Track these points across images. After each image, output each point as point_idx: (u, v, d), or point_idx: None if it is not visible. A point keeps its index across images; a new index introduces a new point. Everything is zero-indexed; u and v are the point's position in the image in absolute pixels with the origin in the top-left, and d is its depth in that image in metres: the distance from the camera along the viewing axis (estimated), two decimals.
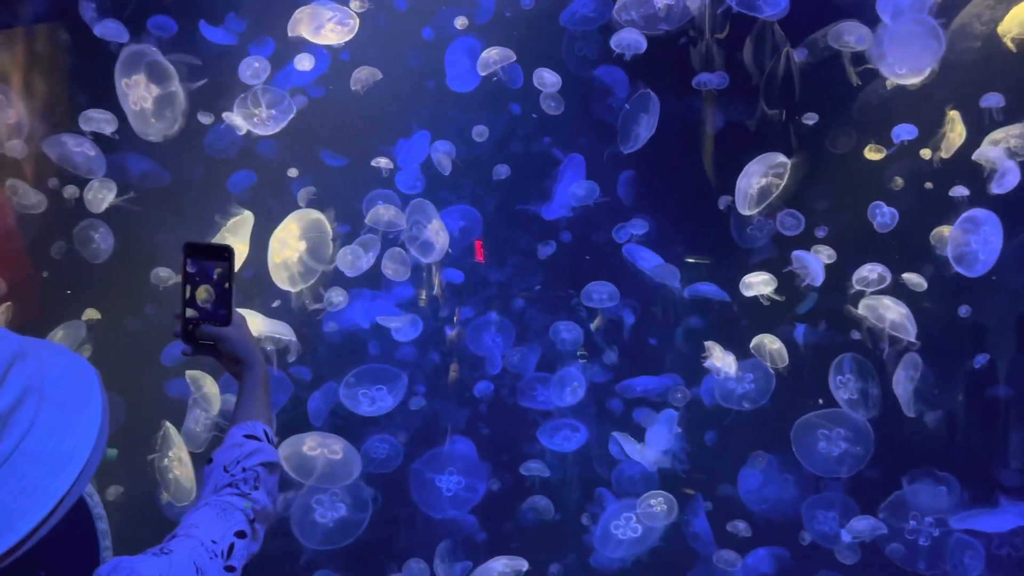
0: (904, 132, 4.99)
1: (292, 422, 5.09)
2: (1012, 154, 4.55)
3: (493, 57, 5.24)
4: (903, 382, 4.72)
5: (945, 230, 4.82)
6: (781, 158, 4.96)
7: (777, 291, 5.01)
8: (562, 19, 5.52)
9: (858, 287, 4.88)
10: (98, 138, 4.77)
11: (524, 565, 4.75)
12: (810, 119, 5.32)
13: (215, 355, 1.74)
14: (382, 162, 5.32)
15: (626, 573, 5.26)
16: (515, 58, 5.23)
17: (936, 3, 4.64)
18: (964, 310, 5.21)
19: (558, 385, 5.45)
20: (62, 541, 1.21)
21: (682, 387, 5.50)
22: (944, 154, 4.98)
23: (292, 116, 4.93)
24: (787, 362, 5.03)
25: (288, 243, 4.85)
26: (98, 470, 1.22)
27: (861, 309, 4.76)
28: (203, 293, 1.68)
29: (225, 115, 4.93)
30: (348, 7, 5.00)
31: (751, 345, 5.07)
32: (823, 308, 5.46)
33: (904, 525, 4.67)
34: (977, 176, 4.68)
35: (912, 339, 4.64)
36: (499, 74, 5.22)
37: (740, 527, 5.16)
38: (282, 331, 4.78)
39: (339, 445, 4.75)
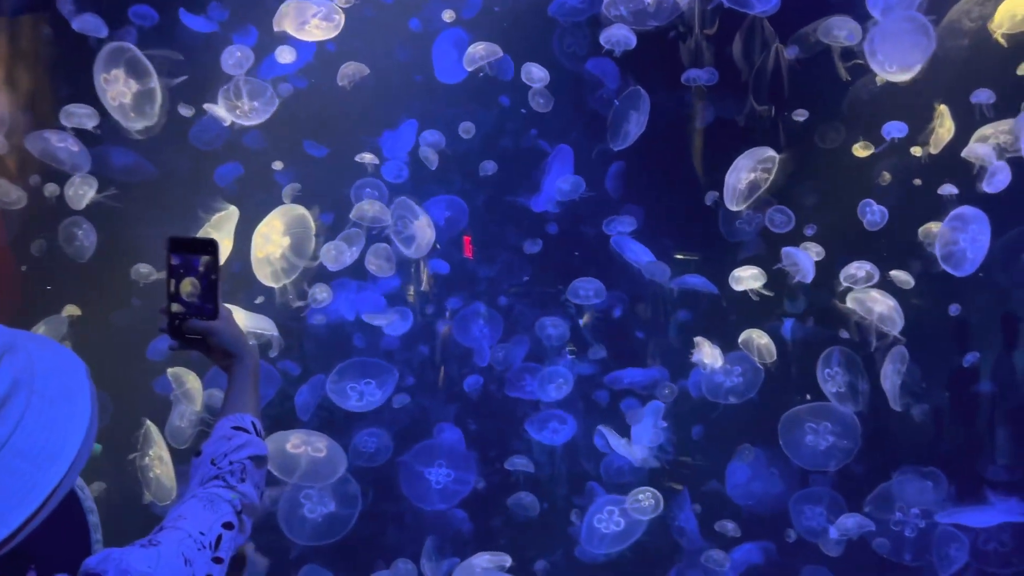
0: (895, 130, 5.01)
1: (280, 416, 5.07)
2: (1001, 150, 4.57)
3: (479, 52, 5.21)
4: (890, 376, 4.74)
5: (933, 226, 4.84)
6: (770, 152, 4.96)
7: (766, 286, 5.02)
8: (551, 10, 5.50)
9: (846, 284, 4.89)
10: (80, 133, 4.72)
11: (507, 561, 4.74)
12: (800, 116, 5.33)
13: (203, 349, 1.72)
14: (367, 157, 5.28)
15: (612, 567, 5.26)
16: (501, 54, 5.20)
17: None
18: (954, 308, 5.24)
19: (544, 381, 5.44)
20: (53, 534, 1.20)
21: (669, 383, 5.51)
22: (933, 149, 5.00)
23: (275, 107, 4.89)
24: (775, 357, 5.04)
25: (271, 238, 4.81)
26: (85, 465, 1.21)
27: (849, 302, 4.77)
28: (188, 287, 1.66)
29: (207, 107, 4.89)
30: (333, 2, 4.95)
31: (740, 340, 5.08)
32: (812, 305, 5.48)
33: (890, 517, 4.69)
34: (966, 173, 4.70)
35: (899, 331, 4.65)
36: (486, 69, 5.20)
37: (729, 527, 5.18)
38: (264, 326, 4.75)
39: (323, 443, 4.70)
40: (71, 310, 4.98)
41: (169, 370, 4.74)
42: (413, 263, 5.87)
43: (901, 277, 4.87)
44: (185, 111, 4.97)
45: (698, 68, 5.45)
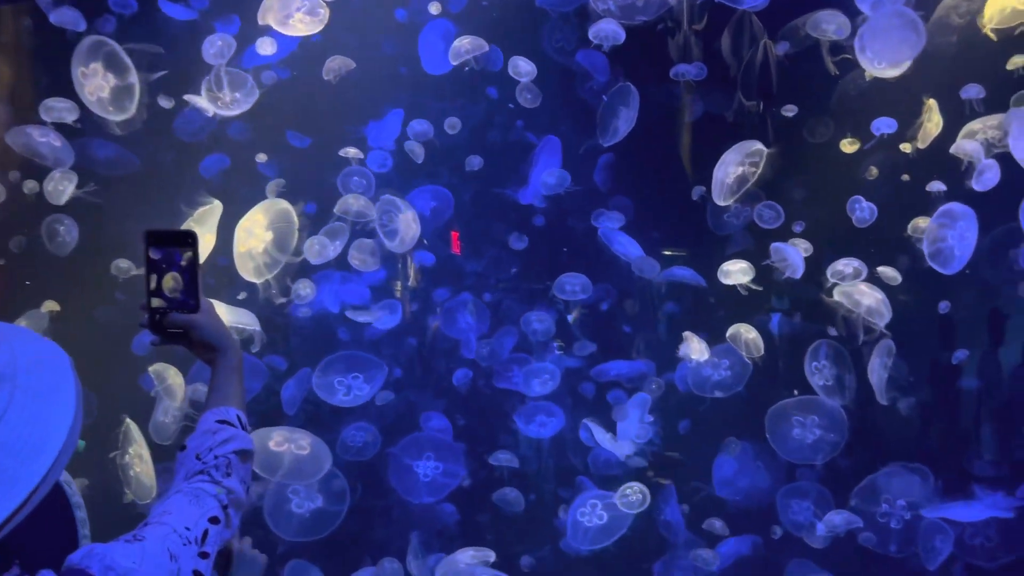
0: (884, 125, 5.02)
1: (267, 412, 5.03)
2: (989, 146, 4.58)
3: (465, 46, 5.17)
4: (877, 370, 4.75)
5: (921, 221, 4.86)
6: (757, 145, 4.96)
7: (755, 280, 5.02)
8: (539, 1, 5.48)
9: (833, 280, 4.90)
10: (60, 127, 4.66)
11: (491, 556, 4.72)
12: (789, 111, 5.34)
13: (185, 343, 1.70)
14: (351, 152, 5.23)
15: (598, 561, 5.26)
16: (487, 48, 5.17)
17: None
18: (944, 306, 5.25)
19: (528, 376, 5.42)
20: (39, 529, 1.18)
21: (656, 379, 5.50)
22: (921, 144, 5.01)
23: (256, 97, 4.82)
24: (763, 352, 5.05)
25: (254, 233, 4.76)
26: (70, 460, 1.20)
27: (837, 296, 4.77)
28: (170, 281, 1.64)
29: (188, 98, 4.83)
30: None
31: (727, 334, 5.08)
32: (800, 299, 5.49)
33: (876, 509, 4.71)
34: (955, 169, 4.71)
35: (886, 324, 4.66)
36: (471, 63, 5.17)
37: (716, 525, 5.19)
38: (246, 320, 4.70)
39: (306, 440, 4.64)
40: (50, 306, 4.93)
41: (151, 367, 4.69)
42: (400, 257, 5.85)
43: (888, 273, 4.87)
44: (165, 103, 4.91)
45: (687, 63, 5.44)
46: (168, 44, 4.88)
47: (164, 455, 4.65)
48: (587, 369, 5.77)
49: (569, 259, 5.91)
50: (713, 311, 5.68)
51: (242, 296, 4.94)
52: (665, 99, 5.82)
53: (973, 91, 4.79)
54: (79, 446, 1.25)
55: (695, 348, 5.08)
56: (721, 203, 5.09)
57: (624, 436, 5.38)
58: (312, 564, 4.90)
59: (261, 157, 5.34)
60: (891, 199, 5.04)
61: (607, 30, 5.08)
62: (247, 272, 4.76)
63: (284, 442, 4.61)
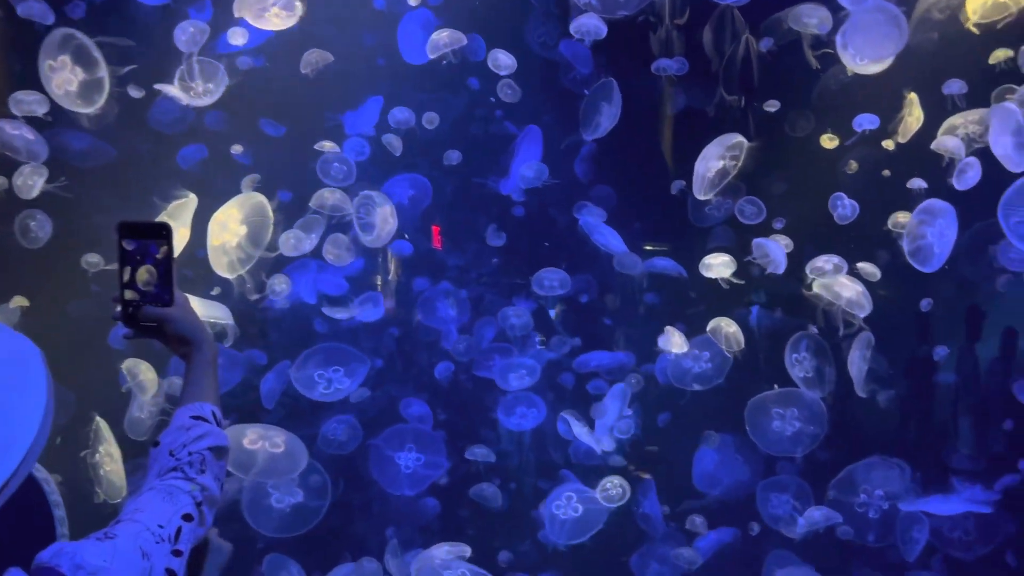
0: (866, 121, 5.04)
1: (244, 406, 4.99)
2: (970, 141, 4.61)
3: (443, 39, 5.13)
4: (857, 362, 4.78)
5: (902, 216, 4.88)
6: (737, 138, 4.97)
7: (736, 274, 5.04)
8: None
9: (813, 276, 4.91)
10: (30, 120, 4.59)
11: (467, 551, 4.71)
12: (771, 106, 5.34)
13: (159, 337, 1.68)
14: (327, 146, 5.17)
15: (576, 554, 5.26)
16: (465, 41, 5.14)
17: None
18: (926, 304, 5.28)
19: (505, 371, 5.40)
20: (16, 527, 1.16)
21: (636, 374, 5.50)
22: (902, 138, 5.04)
23: (227, 86, 4.76)
24: (743, 346, 5.06)
25: (228, 227, 4.69)
26: (42, 458, 1.17)
27: (817, 288, 4.79)
28: (144, 274, 1.62)
29: (159, 87, 4.76)
30: None
31: (708, 328, 5.09)
32: (780, 294, 5.51)
33: (854, 500, 4.74)
34: (936, 164, 4.74)
35: (867, 315, 4.68)
36: (449, 57, 5.13)
37: (697, 522, 5.21)
38: (219, 314, 4.64)
39: (281, 438, 4.57)
40: (19, 301, 4.86)
41: (123, 363, 4.62)
42: (381, 253, 5.81)
43: (868, 269, 4.89)
44: (135, 92, 4.84)
45: (668, 58, 5.44)
46: (140, 30, 4.80)
47: (140, 452, 4.60)
48: (568, 361, 5.76)
49: (550, 252, 5.90)
50: (694, 304, 5.69)
51: (216, 292, 4.88)
52: (647, 93, 5.82)
53: (955, 86, 4.82)
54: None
55: (676, 343, 5.08)
56: (701, 197, 5.10)
57: (603, 428, 5.38)
58: (290, 558, 4.86)
59: (237, 148, 5.27)
60: (872, 194, 5.06)
61: (588, 25, 5.08)
62: (221, 267, 4.69)
63: (258, 440, 4.54)
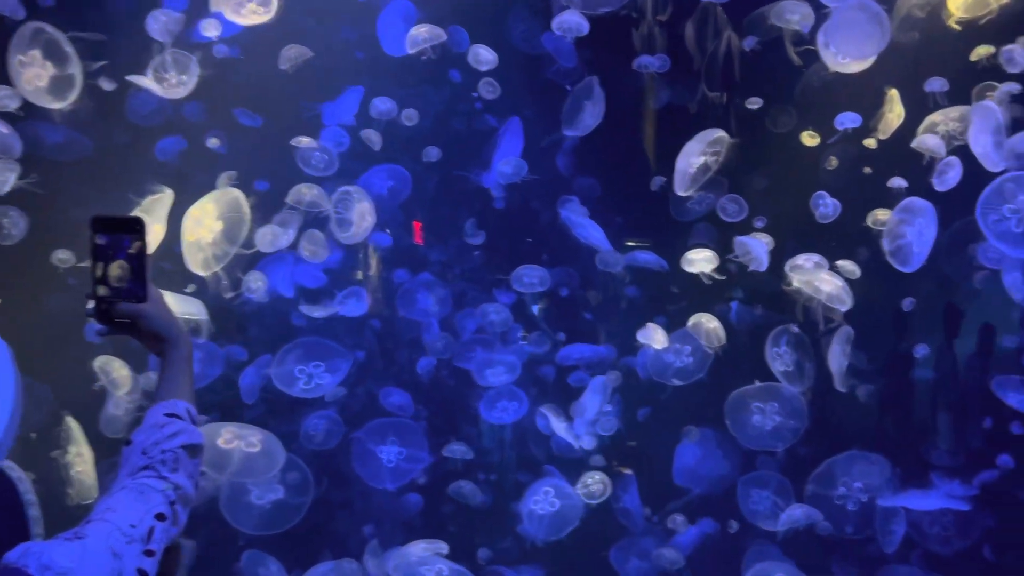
0: (848, 120, 5.05)
1: (225, 403, 4.94)
2: (950, 138, 4.64)
3: (423, 34, 5.09)
4: (837, 357, 4.80)
5: (881, 213, 4.90)
6: (718, 133, 4.98)
7: (718, 270, 5.05)
8: None
9: (792, 274, 4.93)
10: (3, 115, 4.51)
11: (444, 548, 4.69)
12: (754, 103, 5.35)
13: (133, 334, 1.65)
14: (303, 141, 5.11)
15: (557, 549, 5.26)
16: (445, 37, 5.11)
17: None
18: (908, 303, 5.31)
19: (482, 367, 5.38)
20: None
21: (616, 370, 5.50)
22: (882, 134, 5.06)
23: (203, 75, 4.70)
24: (724, 341, 5.07)
25: (203, 222, 4.63)
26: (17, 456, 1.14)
27: (797, 283, 4.80)
28: (116, 270, 1.59)
29: (132, 79, 4.69)
30: None
31: (689, 324, 5.10)
32: (762, 291, 5.52)
33: (833, 492, 4.76)
34: (917, 162, 4.76)
35: (847, 311, 4.70)
36: (428, 52, 5.10)
37: (678, 520, 5.21)
38: (193, 310, 4.57)
39: (257, 436, 4.50)
40: None
41: (95, 361, 4.54)
42: (362, 248, 5.77)
43: (848, 267, 4.91)
44: (108, 85, 4.77)
45: (650, 55, 5.44)
46: (113, 20, 4.73)
47: (116, 450, 4.51)
48: (550, 355, 5.76)
49: (532, 247, 5.88)
50: (676, 299, 5.69)
51: (191, 289, 4.80)
52: (629, 90, 5.81)
53: (936, 84, 4.85)
54: None
55: (658, 339, 5.09)
56: (682, 193, 5.11)
57: (581, 424, 5.37)
58: (269, 555, 4.82)
59: (214, 141, 5.20)
60: (853, 192, 5.08)
61: (570, 21, 5.09)
62: (195, 263, 4.62)
63: (234, 439, 4.47)
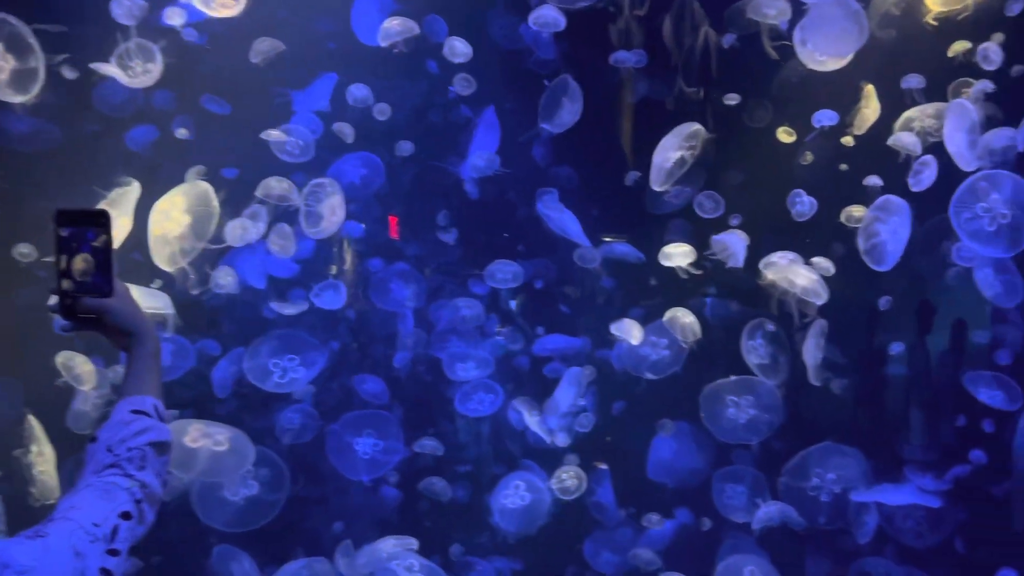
0: (825, 118, 5.07)
1: (199, 399, 4.87)
2: (925, 134, 4.67)
3: (395, 27, 5.05)
4: (812, 350, 4.82)
5: (855, 209, 4.93)
6: (694, 126, 4.99)
7: (694, 264, 5.06)
8: None
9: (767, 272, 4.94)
10: None
11: (414, 544, 4.67)
12: (732, 99, 5.35)
13: (99, 329, 1.61)
14: (273, 135, 5.04)
15: (529, 542, 5.25)
16: (418, 31, 5.06)
17: None
18: (884, 302, 5.35)
19: (453, 361, 5.36)
20: None
21: (590, 365, 5.49)
22: (858, 130, 5.08)
23: (170, 62, 4.64)
24: (700, 336, 5.08)
25: (171, 216, 4.54)
26: None
27: (771, 275, 4.82)
28: (81, 263, 1.55)
29: (96, 66, 4.60)
30: None
31: (665, 318, 5.11)
32: (737, 286, 5.53)
33: (807, 484, 4.79)
34: (893, 158, 4.79)
35: (823, 302, 4.72)
36: (399, 46, 5.06)
37: (653, 519, 5.22)
38: (158, 304, 4.48)
39: (225, 435, 4.41)
40: None
41: (57, 357, 4.45)
42: (336, 244, 5.71)
43: (823, 264, 4.94)
44: (70, 74, 4.68)
45: (627, 49, 5.44)
46: (77, 6, 4.64)
47: (83, 447, 4.43)
48: (526, 348, 5.74)
49: (509, 239, 5.86)
50: (652, 293, 5.70)
51: (157, 284, 4.71)
52: (606, 84, 5.80)
53: (914, 81, 4.88)
54: None
55: (634, 335, 5.09)
56: (659, 188, 5.11)
57: (554, 418, 5.36)
58: (242, 551, 4.77)
59: (182, 132, 5.10)
60: (829, 189, 5.10)
61: (547, 16, 5.09)
62: (161, 258, 4.53)
63: (201, 437, 4.38)
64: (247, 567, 4.76)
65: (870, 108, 4.99)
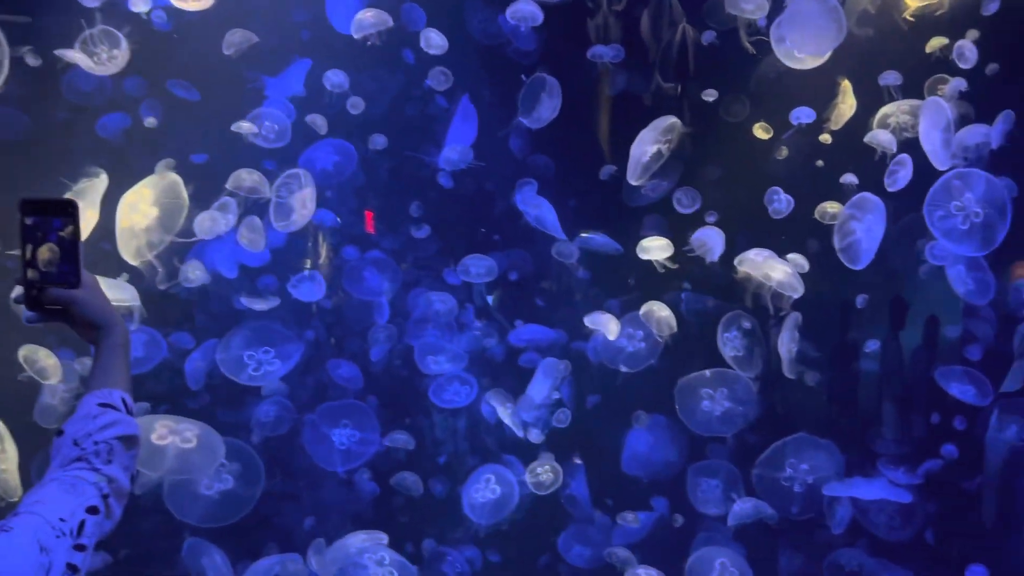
0: (803, 115, 5.09)
1: (172, 393, 4.80)
2: (900, 130, 4.70)
3: (368, 19, 4.99)
4: (786, 343, 4.85)
5: (830, 206, 4.96)
6: (670, 120, 4.99)
7: (671, 259, 5.06)
8: None
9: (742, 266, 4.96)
10: None
11: (384, 538, 4.64)
12: (709, 95, 5.36)
13: (66, 320, 1.59)
14: (244, 127, 4.97)
15: (502, 537, 5.25)
16: (392, 23, 5.01)
17: None
18: (861, 300, 5.38)
19: (423, 354, 5.33)
20: None
21: (566, 360, 5.48)
22: (834, 125, 5.11)
23: (135, 48, 4.55)
24: (675, 330, 5.09)
25: (138, 208, 4.45)
26: None
27: (747, 269, 4.83)
28: (46, 252, 1.52)
29: (60, 53, 4.51)
30: None
31: (640, 312, 5.11)
32: (713, 281, 5.54)
33: (780, 475, 4.81)
34: (869, 156, 4.81)
35: (799, 296, 4.73)
36: (373, 39, 5.01)
37: (628, 518, 5.24)
38: (125, 296, 4.39)
39: (194, 432, 4.30)
40: None
41: (20, 351, 4.35)
42: (311, 237, 5.65)
43: (798, 261, 4.97)
44: (32, 60, 4.59)
45: (605, 44, 5.43)
46: None
47: (49, 442, 4.34)
48: (502, 340, 5.73)
49: (486, 232, 5.84)
50: (628, 287, 5.70)
51: (124, 277, 4.62)
52: (584, 79, 5.79)
53: (891, 78, 4.91)
54: None
55: (611, 330, 5.08)
56: (635, 182, 5.11)
57: (529, 412, 5.35)
58: (213, 544, 4.70)
59: (150, 121, 5.02)
60: (806, 186, 5.13)
61: (525, 10, 5.08)
62: (128, 252, 4.43)
63: (168, 434, 4.27)
64: (219, 561, 4.70)
65: (847, 104, 5.02)
